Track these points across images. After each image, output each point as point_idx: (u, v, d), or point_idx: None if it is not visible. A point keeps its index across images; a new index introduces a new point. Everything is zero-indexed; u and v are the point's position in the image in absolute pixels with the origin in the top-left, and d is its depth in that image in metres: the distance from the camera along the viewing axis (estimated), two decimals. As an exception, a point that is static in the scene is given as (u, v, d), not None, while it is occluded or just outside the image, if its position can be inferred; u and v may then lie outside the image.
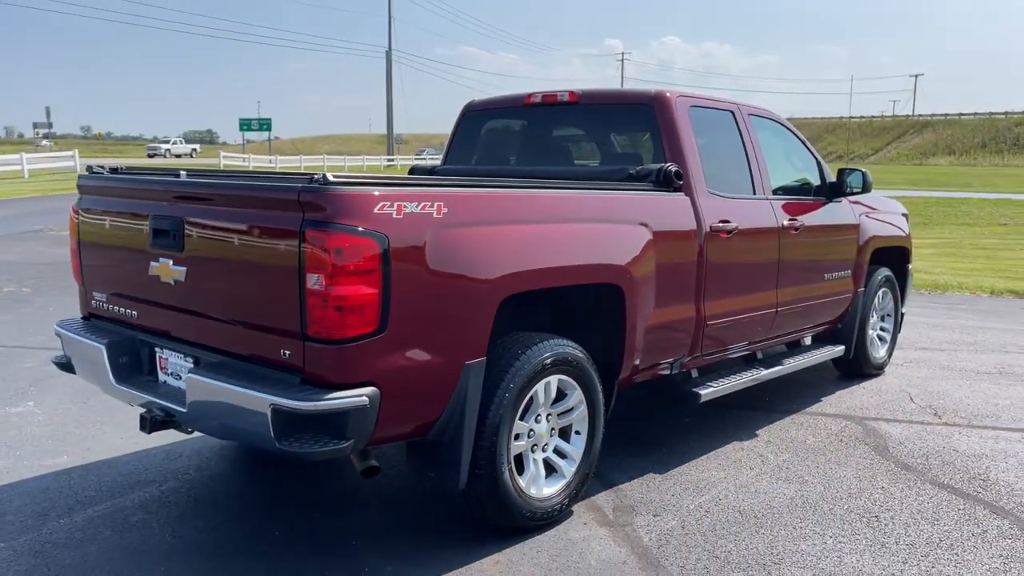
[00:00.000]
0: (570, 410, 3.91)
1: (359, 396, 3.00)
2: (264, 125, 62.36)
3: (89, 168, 4.11)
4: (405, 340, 3.15)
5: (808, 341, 6.03)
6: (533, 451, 3.78)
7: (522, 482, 3.68)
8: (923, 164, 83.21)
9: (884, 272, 6.56)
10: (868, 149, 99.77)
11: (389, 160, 64.52)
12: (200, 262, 3.40)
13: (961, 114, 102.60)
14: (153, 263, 3.58)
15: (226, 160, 47.68)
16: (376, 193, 3.06)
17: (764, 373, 5.22)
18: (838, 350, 6.08)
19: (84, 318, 4.18)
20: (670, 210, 4.40)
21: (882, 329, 6.77)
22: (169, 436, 4.89)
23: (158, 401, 3.51)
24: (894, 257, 6.76)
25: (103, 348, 3.72)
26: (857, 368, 6.49)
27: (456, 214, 3.30)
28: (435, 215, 3.22)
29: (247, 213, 3.21)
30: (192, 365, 3.49)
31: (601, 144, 5.30)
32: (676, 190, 4.46)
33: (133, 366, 3.78)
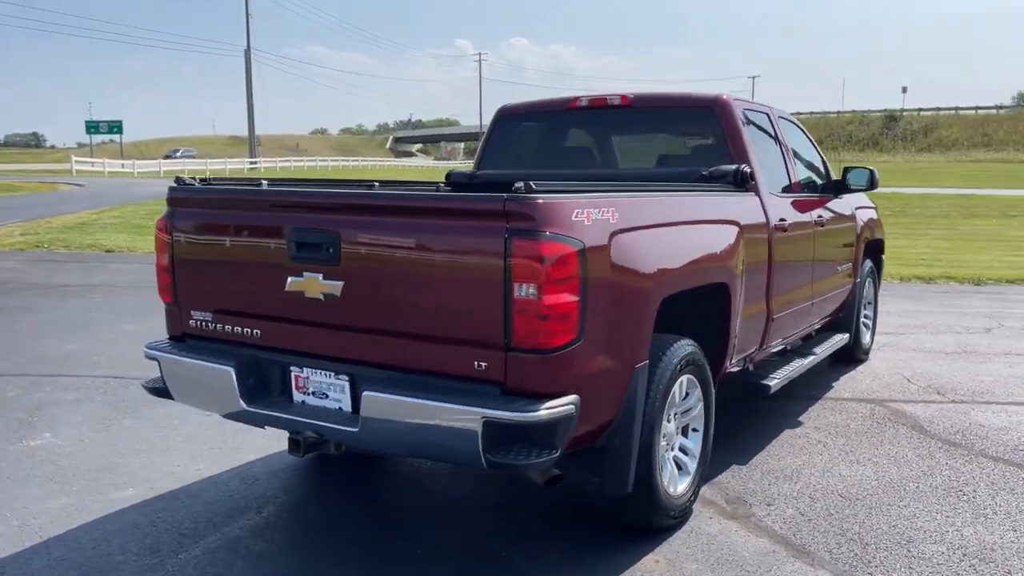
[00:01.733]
0: (689, 409, 3.99)
1: (568, 405, 2.97)
2: (115, 128, 58.84)
3: (179, 179, 3.84)
4: (597, 346, 3.14)
5: (813, 332, 6.35)
6: (666, 451, 3.84)
7: (665, 480, 3.74)
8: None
9: (868, 264, 7.00)
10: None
11: (252, 163, 62.29)
12: (363, 275, 3.24)
13: (798, 113, 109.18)
14: (293, 278, 3.39)
15: (79, 166, 44.79)
16: (574, 201, 3.04)
17: (807, 362, 5.47)
18: (844, 338, 6.43)
19: (175, 339, 3.89)
20: (750, 209, 4.56)
21: (866, 317, 7.21)
22: (227, 462, 4.67)
23: (311, 422, 3.34)
24: (873, 249, 7.21)
25: (231, 370, 3.48)
26: (851, 354, 6.88)
27: (625, 219, 3.31)
28: (611, 220, 3.22)
29: (433, 224, 3.10)
30: (347, 383, 3.34)
31: (657, 147, 5.40)
32: (747, 190, 4.63)
33: (261, 387, 3.57)
